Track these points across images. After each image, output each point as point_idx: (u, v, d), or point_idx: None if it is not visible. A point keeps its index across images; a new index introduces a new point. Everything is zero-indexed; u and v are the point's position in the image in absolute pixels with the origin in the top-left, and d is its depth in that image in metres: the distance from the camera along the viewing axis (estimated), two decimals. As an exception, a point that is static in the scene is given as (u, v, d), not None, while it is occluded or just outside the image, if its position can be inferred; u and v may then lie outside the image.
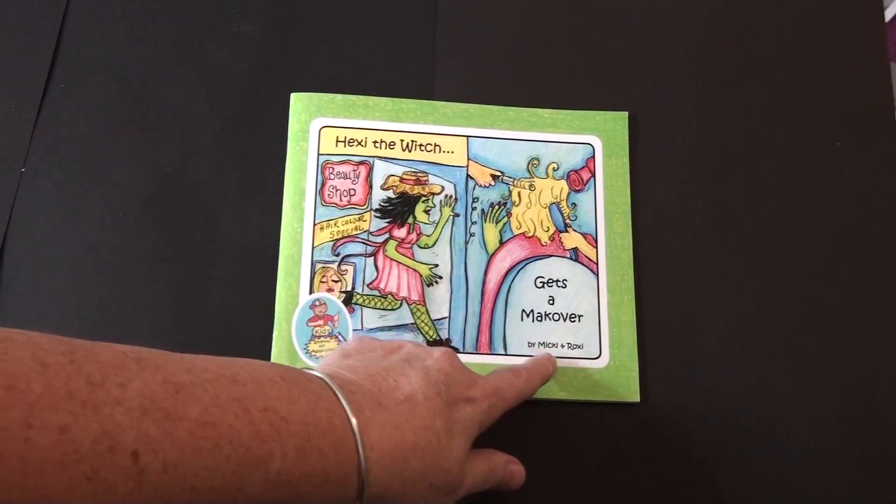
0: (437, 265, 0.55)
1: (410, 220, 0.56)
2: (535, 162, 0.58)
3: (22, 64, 0.56)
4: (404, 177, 0.57)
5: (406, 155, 0.57)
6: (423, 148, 0.57)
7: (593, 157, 0.58)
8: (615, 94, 0.60)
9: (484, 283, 0.55)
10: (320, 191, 0.56)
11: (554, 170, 0.57)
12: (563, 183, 0.57)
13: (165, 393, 0.31)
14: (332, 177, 0.56)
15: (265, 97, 0.58)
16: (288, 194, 0.56)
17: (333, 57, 0.60)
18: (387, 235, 0.55)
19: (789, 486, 0.52)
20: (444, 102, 0.59)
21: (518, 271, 0.55)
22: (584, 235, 0.56)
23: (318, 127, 0.57)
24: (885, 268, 0.57)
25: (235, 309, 0.53)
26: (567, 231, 0.56)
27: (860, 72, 0.62)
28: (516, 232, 0.56)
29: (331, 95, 0.58)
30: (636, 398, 0.53)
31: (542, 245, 0.56)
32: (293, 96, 0.58)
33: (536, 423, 0.52)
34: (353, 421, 0.36)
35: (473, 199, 0.57)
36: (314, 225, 0.55)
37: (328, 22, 0.61)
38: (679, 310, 0.55)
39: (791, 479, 0.52)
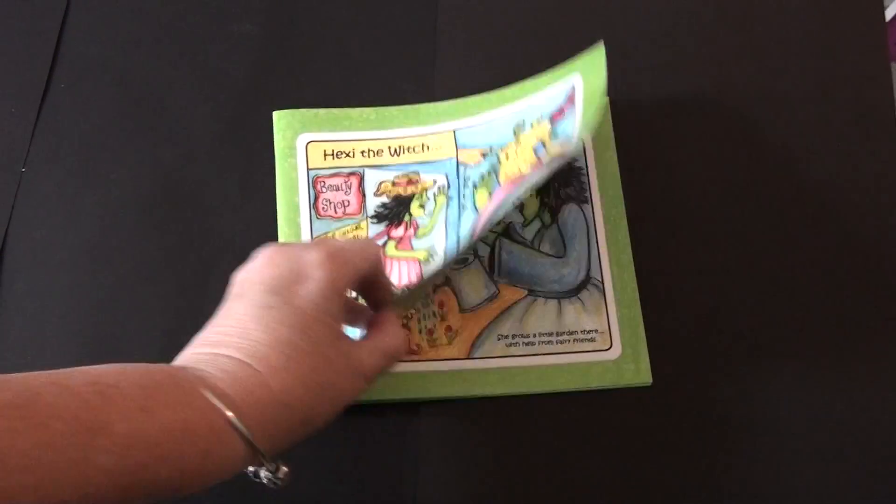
0: (433, 246, 0.55)
1: (407, 217, 0.56)
2: (521, 125, 0.56)
3: (22, 64, 0.56)
4: (396, 180, 0.56)
5: (395, 160, 0.57)
6: (411, 150, 0.57)
7: (573, 94, 0.55)
8: (618, 94, 0.60)
9: (473, 230, 0.54)
10: (314, 205, 0.56)
11: (538, 121, 0.56)
12: (546, 122, 0.55)
13: None
14: (324, 190, 0.56)
15: (265, 97, 0.58)
16: (282, 211, 0.55)
17: (333, 59, 0.60)
18: (385, 238, 0.55)
19: (798, 469, 0.52)
20: (427, 104, 0.59)
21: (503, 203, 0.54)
22: (563, 144, 0.53)
23: (304, 143, 0.57)
24: (886, 268, 0.57)
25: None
26: (545, 149, 0.54)
27: (860, 72, 0.62)
28: (504, 182, 0.55)
29: (313, 111, 0.58)
30: (648, 380, 0.53)
31: (524, 174, 0.54)
32: (275, 114, 0.58)
33: (546, 413, 0.52)
34: (201, 373, 0.36)
35: (465, 179, 0.56)
36: (311, 239, 0.55)
37: (328, 23, 0.61)
38: (682, 292, 0.56)
39: (799, 463, 0.52)
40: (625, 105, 0.60)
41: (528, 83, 0.58)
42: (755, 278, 0.56)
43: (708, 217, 0.58)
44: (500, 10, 0.62)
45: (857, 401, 0.54)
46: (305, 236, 0.55)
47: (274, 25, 0.60)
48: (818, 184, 0.59)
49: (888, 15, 0.62)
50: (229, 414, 0.36)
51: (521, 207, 0.57)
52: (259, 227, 0.55)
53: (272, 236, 0.55)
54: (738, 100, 0.61)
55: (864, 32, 0.63)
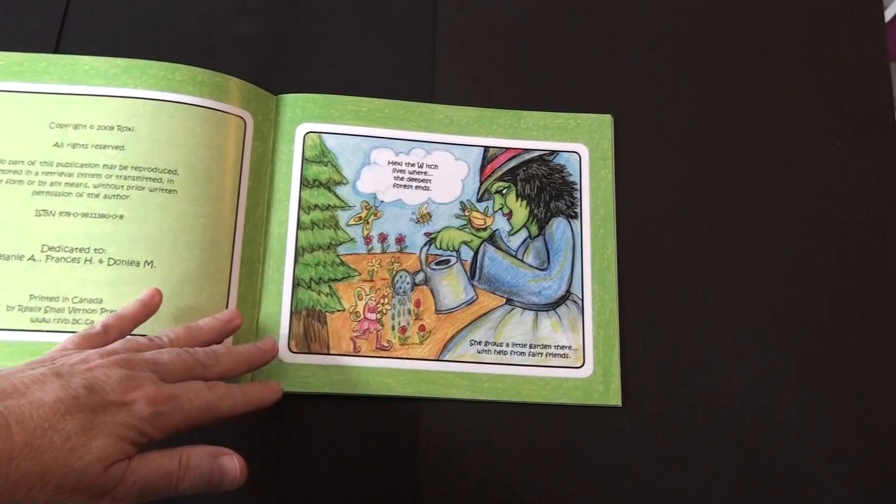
0: None
1: None
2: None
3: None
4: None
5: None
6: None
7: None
8: (618, 93, 0.60)
9: None
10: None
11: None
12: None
13: None
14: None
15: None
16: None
17: (333, 59, 0.60)
18: None
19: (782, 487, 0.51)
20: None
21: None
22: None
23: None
24: (885, 268, 0.56)
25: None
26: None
27: (860, 72, 0.61)
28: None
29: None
30: (617, 402, 0.53)
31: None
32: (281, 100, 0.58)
33: (525, 420, 0.52)
34: None
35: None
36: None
37: (328, 24, 0.61)
38: (666, 310, 0.55)
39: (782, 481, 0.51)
40: (624, 121, 0.59)
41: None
42: (742, 310, 0.55)
43: (700, 242, 0.57)
44: (500, 10, 0.63)
45: (842, 427, 0.53)
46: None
47: (274, 26, 0.61)
48: (818, 184, 0.58)
49: (888, 15, 0.61)
50: None
51: (509, 216, 0.57)
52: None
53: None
54: (737, 100, 0.60)
55: (864, 32, 0.62)
